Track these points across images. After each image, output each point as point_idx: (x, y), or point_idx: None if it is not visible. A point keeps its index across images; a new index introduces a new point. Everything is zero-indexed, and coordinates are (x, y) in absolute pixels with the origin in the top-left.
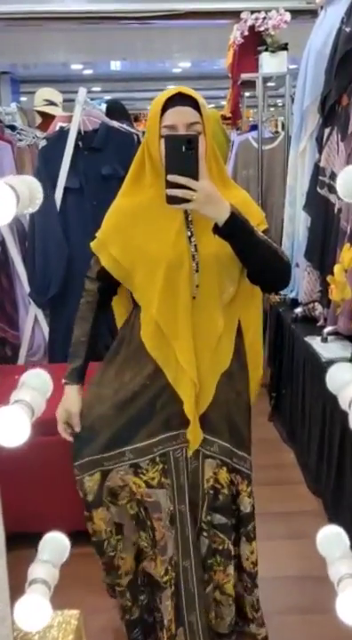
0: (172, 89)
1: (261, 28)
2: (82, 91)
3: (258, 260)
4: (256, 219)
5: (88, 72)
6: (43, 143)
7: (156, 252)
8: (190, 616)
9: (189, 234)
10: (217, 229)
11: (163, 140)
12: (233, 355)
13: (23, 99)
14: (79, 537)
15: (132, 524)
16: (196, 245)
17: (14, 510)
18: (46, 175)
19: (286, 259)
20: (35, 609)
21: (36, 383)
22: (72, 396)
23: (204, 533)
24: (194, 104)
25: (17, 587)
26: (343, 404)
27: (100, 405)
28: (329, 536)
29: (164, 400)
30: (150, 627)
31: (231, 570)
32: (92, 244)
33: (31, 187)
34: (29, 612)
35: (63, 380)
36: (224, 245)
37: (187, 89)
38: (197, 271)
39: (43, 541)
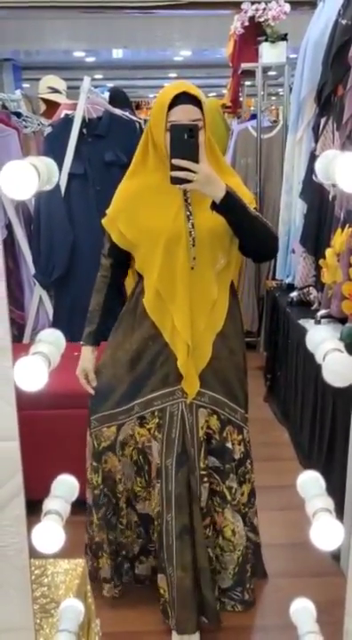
0: (176, 86)
1: (261, 19)
2: (86, 79)
3: (250, 231)
4: (247, 198)
5: (90, 60)
6: (48, 130)
7: (158, 228)
8: (169, 568)
9: (188, 213)
10: (214, 206)
11: (168, 133)
12: (227, 317)
13: (26, 85)
14: (76, 506)
15: (133, 469)
16: (193, 223)
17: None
18: None
19: (274, 232)
20: (50, 534)
21: (51, 339)
22: (87, 356)
23: (205, 479)
24: (197, 102)
25: None
26: (318, 359)
27: (114, 366)
28: (307, 479)
29: (163, 358)
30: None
31: (229, 515)
32: (103, 221)
33: (49, 167)
34: (45, 536)
35: (81, 342)
36: (218, 223)
37: (190, 87)
38: (194, 245)
39: (55, 482)
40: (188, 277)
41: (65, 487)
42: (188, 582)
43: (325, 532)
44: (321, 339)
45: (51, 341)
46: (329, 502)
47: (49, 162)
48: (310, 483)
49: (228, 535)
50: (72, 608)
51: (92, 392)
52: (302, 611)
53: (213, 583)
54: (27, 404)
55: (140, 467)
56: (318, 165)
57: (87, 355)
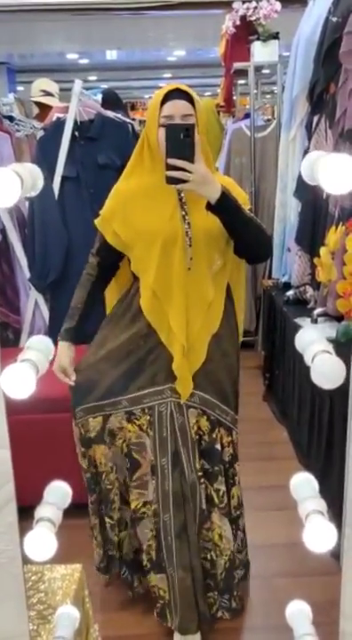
0: (170, 85)
1: (253, 18)
2: (78, 82)
3: (244, 233)
4: (241, 199)
5: (84, 61)
6: (40, 134)
7: (153, 229)
8: (169, 569)
9: (183, 213)
10: (209, 206)
11: (161, 129)
12: (223, 319)
13: (20, 88)
14: (73, 510)
15: (124, 462)
16: (189, 223)
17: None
18: (44, 164)
19: (267, 234)
20: (42, 541)
21: (39, 346)
22: (64, 351)
23: (201, 480)
24: (189, 99)
25: None
26: (307, 361)
27: (97, 361)
28: (300, 481)
29: (153, 357)
30: (135, 566)
31: (216, 519)
32: (97, 221)
33: (33, 173)
34: (37, 544)
35: (58, 338)
36: (213, 223)
37: (184, 86)
38: (191, 245)
39: (48, 488)
40: (185, 278)
41: (57, 494)
42: (189, 582)
43: (318, 534)
44: (310, 340)
45: (39, 349)
46: (321, 504)
47: (32, 168)
48: (303, 485)
49: (215, 539)
50: (67, 615)
51: (72, 384)
52: (298, 613)
53: (206, 588)
54: (16, 409)
55: (133, 463)
56: (303, 166)
57: (64, 351)
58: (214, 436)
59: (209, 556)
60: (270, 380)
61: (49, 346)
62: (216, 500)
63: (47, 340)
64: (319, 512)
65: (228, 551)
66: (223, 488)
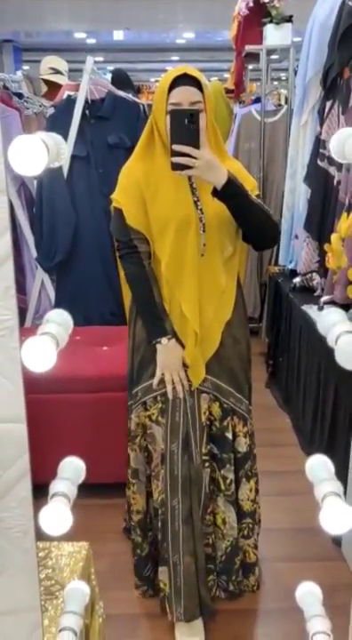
0: (178, 69)
1: (266, 0)
2: (89, 60)
3: (251, 219)
4: (249, 185)
5: (91, 41)
6: (50, 111)
7: (166, 215)
8: (174, 556)
9: (195, 198)
10: (216, 193)
11: (168, 116)
12: (234, 306)
13: (26, 67)
14: (82, 489)
15: (143, 456)
16: (202, 209)
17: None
18: None
19: (275, 221)
20: (58, 516)
21: (59, 319)
22: (175, 349)
23: (206, 464)
24: (197, 84)
25: None
26: (330, 342)
27: (129, 353)
28: (316, 463)
29: None
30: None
31: (221, 503)
32: (114, 204)
33: (58, 143)
34: (53, 518)
35: (170, 339)
36: (224, 209)
37: (191, 69)
38: (204, 231)
39: (62, 464)
40: (198, 264)
41: (72, 469)
42: (194, 568)
43: (335, 516)
44: (332, 322)
45: (59, 322)
46: (338, 486)
47: (57, 138)
48: (319, 466)
49: (218, 523)
50: (77, 590)
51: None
52: (308, 595)
53: (207, 572)
54: (29, 389)
55: (149, 455)
56: (333, 144)
57: (176, 347)
58: (225, 423)
59: (210, 541)
60: (274, 367)
61: (68, 319)
62: (222, 486)
63: (66, 314)
64: (336, 494)
65: (231, 537)
66: (231, 476)
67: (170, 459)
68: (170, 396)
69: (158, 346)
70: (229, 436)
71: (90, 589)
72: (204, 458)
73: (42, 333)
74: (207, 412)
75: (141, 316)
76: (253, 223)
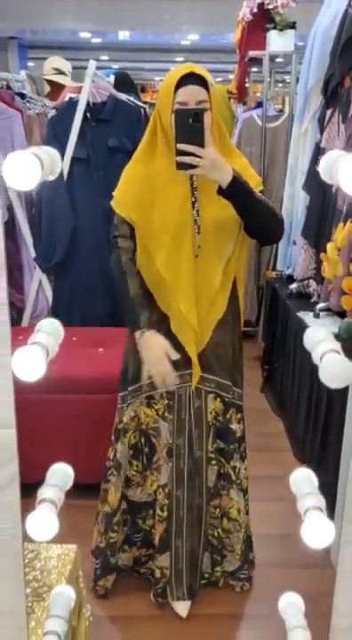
0: (184, 66)
1: (270, 6)
2: (92, 63)
3: (256, 215)
4: (254, 181)
5: (96, 41)
6: (52, 113)
7: (165, 215)
8: (177, 540)
9: (193, 200)
10: (221, 191)
11: (174, 115)
12: (228, 306)
13: (30, 64)
14: (71, 490)
15: (128, 453)
16: (198, 211)
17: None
18: (55, 144)
19: (280, 216)
20: (44, 522)
21: (49, 329)
22: (154, 338)
23: (212, 462)
24: (203, 83)
25: None
26: (315, 360)
27: (130, 348)
28: (300, 477)
29: (170, 342)
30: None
31: (234, 495)
32: (112, 202)
33: (52, 157)
34: (39, 524)
35: (143, 332)
36: (223, 211)
37: (198, 68)
38: (198, 233)
39: (51, 470)
40: (193, 265)
41: (60, 475)
42: (195, 554)
43: (316, 531)
44: (318, 339)
45: (49, 332)
46: (320, 500)
47: (52, 152)
48: (303, 480)
49: (234, 515)
50: (63, 594)
51: (178, 356)
52: (290, 605)
53: (213, 563)
54: (24, 388)
55: (139, 450)
56: (322, 165)
57: (155, 337)
58: (228, 416)
59: (216, 533)
60: (269, 372)
61: (59, 329)
62: (233, 477)
63: (57, 324)
64: (318, 508)
65: (245, 523)
66: (239, 465)
67: (176, 453)
68: (160, 387)
69: (137, 340)
70: (233, 427)
71: (77, 592)
72: (211, 455)
73: (32, 343)
74: (213, 412)
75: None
76: (258, 220)
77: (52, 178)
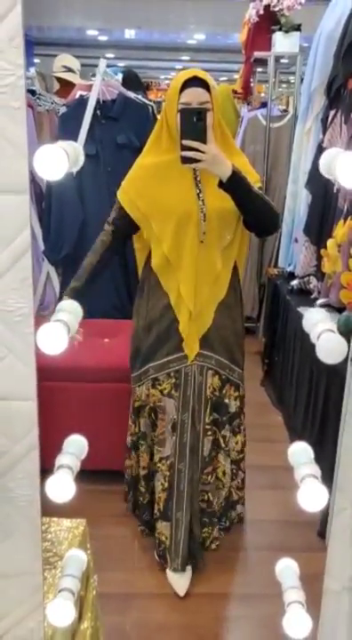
0: (188, 71)
1: (276, 8)
2: (102, 62)
3: (253, 208)
4: (252, 178)
5: (103, 38)
6: (62, 110)
7: (170, 205)
8: (178, 513)
9: (198, 191)
10: (221, 184)
11: (179, 114)
12: (229, 289)
13: (36, 61)
14: (81, 475)
15: (149, 424)
16: (203, 200)
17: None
18: (66, 140)
19: (275, 209)
20: (62, 485)
21: (70, 308)
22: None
23: (208, 433)
24: (205, 86)
25: None
26: (313, 339)
27: (138, 332)
28: (297, 449)
29: (178, 325)
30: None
31: (221, 459)
32: (118, 193)
33: (76, 150)
34: (58, 488)
35: (63, 295)
36: (225, 202)
37: (201, 73)
38: (205, 221)
39: (67, 440)
40: (197, 250)
41: (75, 445)
42: (194, 526)
43: (312, 495)
44: (316, 320)
45: (70, 310)
46: (316, 469)
47: (76, 146)
48: (299, 452)
49: (219, 475)
50: (76, 557)
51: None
52: (286, 569)
53: (202, 525)
54: (44, 376)
55: (153, 422)
56: (322, 161)
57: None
58: (224, 392)
59: (206, 497)
60: (269, 366)
61: (78, 309)
62: (222, 444)
63: (76, 304)
64: (313, 476)
65: (228, 484)
66: (228, 434)
67: (180, 428)
68: None
69: None
70: (226, 401)
71: (86, 562)
72: (207, 427)
73: (55, 320)
74: (211, 387)
75: None
76: (255, 212)
77: (75, 169)
